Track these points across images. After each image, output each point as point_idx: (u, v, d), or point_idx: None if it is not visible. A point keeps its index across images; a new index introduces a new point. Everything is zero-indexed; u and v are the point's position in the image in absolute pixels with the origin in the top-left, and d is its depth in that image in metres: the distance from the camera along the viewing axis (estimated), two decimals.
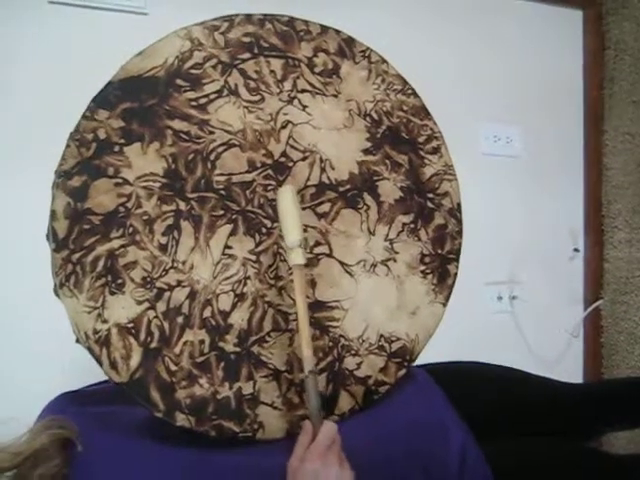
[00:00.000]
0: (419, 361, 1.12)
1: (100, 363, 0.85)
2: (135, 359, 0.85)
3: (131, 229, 0.86)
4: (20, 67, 1.37)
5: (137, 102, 0.88)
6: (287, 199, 0.90)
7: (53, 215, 0.84)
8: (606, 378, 2.00)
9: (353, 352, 0.96)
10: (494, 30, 1.91)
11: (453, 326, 1.58)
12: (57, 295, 0.85)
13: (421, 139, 1.02)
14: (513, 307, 1.88)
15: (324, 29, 0.99)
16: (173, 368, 0.87)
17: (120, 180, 0.86)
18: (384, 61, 1.01)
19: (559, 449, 1.16)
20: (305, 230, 0.94)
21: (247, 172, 0.92)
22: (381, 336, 0.98)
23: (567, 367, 1.95)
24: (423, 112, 1.03)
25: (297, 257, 0.87)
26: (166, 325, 0.87)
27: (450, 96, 1.77)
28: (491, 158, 1.87)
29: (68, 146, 0.85)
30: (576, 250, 2.00)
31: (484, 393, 1.18)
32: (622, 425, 1.46)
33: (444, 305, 1.02)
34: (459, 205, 1.04)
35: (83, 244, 0.84)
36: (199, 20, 0.94)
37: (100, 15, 1.42)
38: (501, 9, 1.92)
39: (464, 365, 1.24)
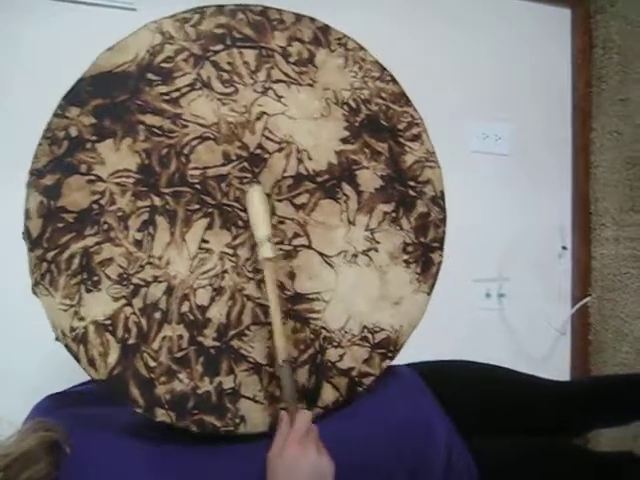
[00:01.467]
0: (407, 360, 1.12)
1: (78, 360, 0.85)
2: (113, 356, 0.86)
3: (105, 226, 0.86)
4: (9, 62, 1.38)
5: (108, 98, 0.87)
6: (255, 198, 0.90)
7: (27, 214, 0.84)
8: (594, 375, 1.99)
9: (335, 344, 0.95)
10: (483, 28, 1.90)
11: (441, 323, 1.59)
12: (35, 293, 0.86)
13: (401, 126, 1.00)
14: (501, 304, 1.87)
15: (298, 18, 0.97)
16: (152, 364, 0.87)
17: (93, 177, 0.86)
18: (361, 48, 0.99)
19: (548, 446, 1.15)
20: (282, 222, 0.94)
21: (222, 165, 0.91)
22: (364, 327, 0.97)
23: (555, 364, 1.94)
24: (403, 99, 1.01)
25: (266, 251, 0.87)
26: (144, 321, 0.87)
27: (439, 94, 1.77)
28: (480, 156, 1.86)
29: (40, 144, 0.85)
30: (564, 248, 1.99)
31: (471, 392, 1.16)
32: (609, 422, 1.45)
33: (428, 294, 1.00)
34: (442, 192, 1.02)
35: (57, 242, 0.85)
36: None
37: (89, 11, 1.42)
38: (490, 7, 1.91)
39: (451, 364, 1.23)
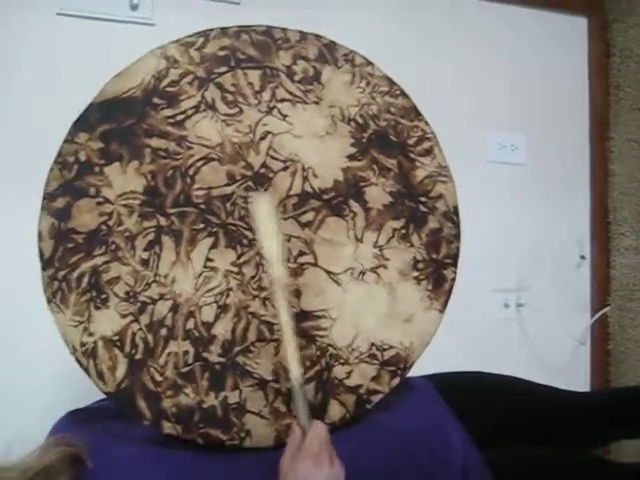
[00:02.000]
0: (424, 371, 1.11)
1: (88, 374, 0.90)
2: (121, 370, 0.89)
3: (113, 246, 0.90)
4: (28, 78, 1.43)
5: (115, 123, 0.91)
6: (262, 207, 0.90)
7: (39, 236, 0.89)
8: (614, 386, 1.92)
9: (342, 361, 0.95)
10: (500, 38, 1.87)
11: (459, 333, 1.57)
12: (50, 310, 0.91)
13: (411, 141, 0.99)
14: (520, 314, 1.84)
15: (303, 35, 0.97)
16: (158, 378, 0.90)
17: (101, 199, 0.90)
18: (369, 63, 0.98)
19: (565, 458, 1.11)
20: (288, 240, 0.94)
21: (227, 185, 0.93)
22: (372, 344, 0.96)
23: (574, 375, 1.88)
24: (413, 113, 0.99)
25: (278, 270, 0.88)
26: (150, 337, 0.90)
27: (455, 104, 1.76)
28: (497, 166, 1.83)
29: (52, 170, 0.90)
30: (582, 257, 1.93)
31: (487, 403, 1.14)
32: (630, 434, 1.38)
33: (441, 312, 0.98)
34: (455, 208, 1.00)
35: (68, 262, 0.89)
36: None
37: (107, 26, 1.46)
38: (506, 17, 1.88)
39: (468, 375, 1.21)
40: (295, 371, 0.87)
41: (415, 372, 1.02)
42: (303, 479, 0.79)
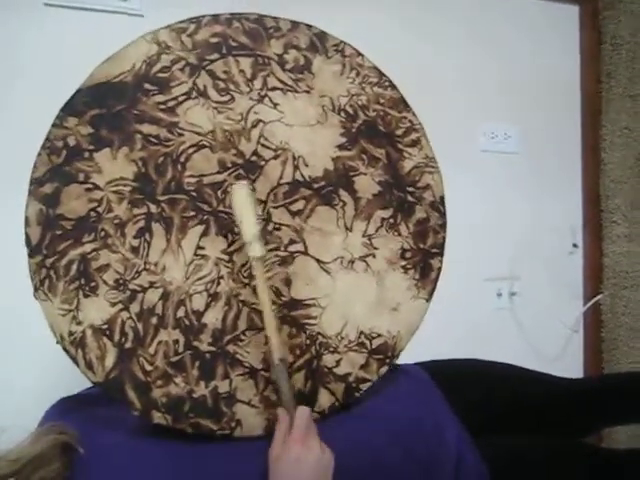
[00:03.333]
0: (418, 358, 1.12)
1: (77, 364, 0.88)
2: (110, 359, 0.88)
3: (103, 233, 0.88)
4: (15, 69, 1.40)
5: (105, 108, 0.89)
6: (240, 195, 0.90)
7: (26, 221, 0.87)
8: (606, 373, 1.97)
9: (332, 349, 0.96)
10: (490, 27, 1.89)
11: (453, 322, 1.60)
12: (36, 298, 0.89)
13: (399, 132, 1.00)
14: (513, 303, 1.87)
15: (295, 25, 0.97)
16: (148, 368, 0.89)
17: (91, 185, 0.88)
18: (359, 54, 0.99)
19: (558, 445, 1.13)
20: (279, 229, 0.94)
21: (218, 173, 0.92)
22: (361, 333, 0.97)
23: (567, 363, 1.92)
24: (402, 104, 1.00)
25: (255, 250, 0.88)
26: (140, 326, 0.89)
27: (447, 94, 1.78)
28: (489, 155, 1.85)
29: (39, 154, 0.88)
30: (575, 245, 1.97)
31: (482, 390, 1.16)
32: (622, 420, 1.43)
33: (427, 300, 1.00)
34: (442, 198, 1.01)
35: (56, 249, 0.87)
36: None
37: (96, 17, 1.44)
38: (497, 6, 1.90)
39: (462, 362, 1.22)
40: (277, 352, 0.88)
41: (409, 359, 1.04)
42: (295, 462, 0.80)
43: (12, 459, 0.79)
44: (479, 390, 1.15)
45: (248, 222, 0.88)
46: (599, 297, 1.96)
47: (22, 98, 1.39)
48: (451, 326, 1.45)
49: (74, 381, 0.94)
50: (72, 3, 1.42)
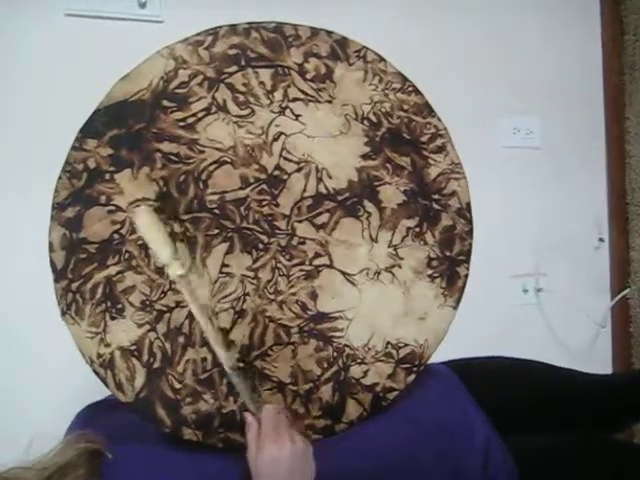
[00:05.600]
0: (445, 357, 1.12)
1: (106, 385, 0.89)
2: (139, 380, 0.89)
3: (127, 255, 0.88)
4: (38, 78, 1.39)
5: (124, 128, 0.87)
6: (143, 220, 0.86)
7: (50, 247, 0.87)
8: (636, 368, 1.94)
9: (359, 360, 0.96)
10: (510, 20, 1.83)
11: (479, 320, 1.58)
12: (64, 322, 0.90)
13: (424, 138, 0.97)
14: (539, 299, 1.84)
15: (314, 32, 0.93)
16: (177, 386, 0.90)
17: (113, 207, 0.87)
18: (382, 59, 0.95)
19: (588, 442, 1.13)
20: (303, 243, 0.93)
21: (240, 189, 0.91)
22: (388, 343, 0.97)
23: (596, 358, 1.89)
24: (426, 110, 0.97)
25: (174, 269, 0.84)
26: (168, 345, 0.89)
27: (467, 90, 1.74)
28: (511, 151, 1.81)
29: (60, 178, 0.87)
30: (601, 240, 1.93)
31: (510, 388, 1.15)
32: None
33: (454, 308, 0.99)
34: (468, 204, 0.99)
35: (81, 273, 0.87)
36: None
37: (116, 25, 1.42)
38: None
39: (489, 360, 1.22)
40: (226, 362, 0.87)
41: (436, 358, 1.03)
42: (271, 462, 0.80)
43: (40, 468, 0.82)
44: (507, 388, 1.15)
45: (158, 245, 0.85)
46: (627, 291, 1.93)
47: (43, 110, 1.38)
48: (477, 323, 1.43)
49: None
50: (92, 12, 1.40)
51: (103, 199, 0.87)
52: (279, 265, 0.92)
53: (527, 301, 1.83)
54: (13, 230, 1.36)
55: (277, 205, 0.92)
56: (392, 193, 0.97)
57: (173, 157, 0.89)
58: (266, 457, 0.79)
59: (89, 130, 0.87)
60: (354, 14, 1.55)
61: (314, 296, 0.94)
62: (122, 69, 0.89)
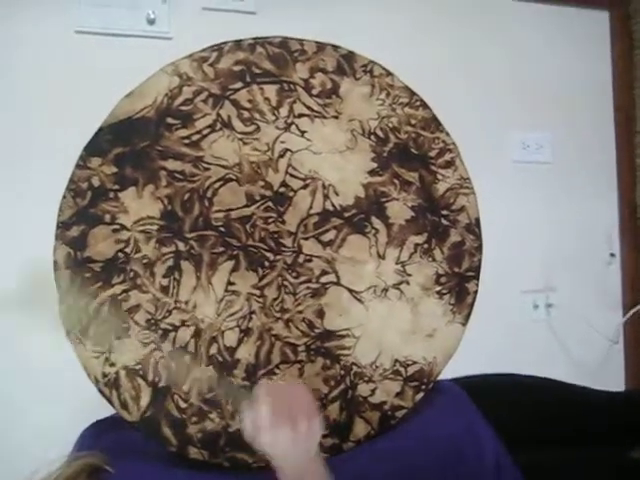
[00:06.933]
0: (455, 373, 1.11)
1: (112, 404, 0.88)
2: (145, 399, 0.88)
3: (132, 274, 0.87)
4: (49, 95, 1.38)
5: (129, 146, 0.87)
6: None
7: (55, 265, 0.86)
8: None
9: (366, 379, 0.95)
10: (521, 36, 1.80)
11: (489, 336, 1.55)
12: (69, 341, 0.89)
13: (432, 153, 0.96)
14: (550, 315, 1.80)
15: (320, 46, 0.92)
16: (183, 405, 0.89)
17: (117, 226, 0.87)
18: (389, 74, 0.94)
19: (599, 458, 1.12)
20: (310, 260, 0.92)
21: (246, 206, 0.90)
22: (396, 361, 0.96)
23: (608, 374, 1.85)
24: (434, 124, 0.96)
25: None
26: (173, 364, 0.89)
27: (478, 105, 1.71)
28: (522, 165, 1.77)
29: (64, 197, 0.86)
30: (612, 255, 1.89)
31: (518, 405, 1.14)
32: None
33: (464, 325, 0.98)
34: (477, 220, 0.98)
35: (86, 292, 0.87)
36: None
37: (125, 42, 1.41)
38: (527, 15, 1.81)
39: (498, 378, 1.21)
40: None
41: (445, 375, 1.03)
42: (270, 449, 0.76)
43: None
44: (516, 405, 1.14)
45: None
46: (639, 307, 1.87)
47: (55, 127, 1.36)
48: (488, 339, 1.41)
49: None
50: (101, 30, 1.39)
51: (107, 218, 0.87)
52: (285, 283, 0.91)
53: (537, 317, 1.79)
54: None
55: (283, 222, 0.91)
56: (400, 209, 0.96)
57: (178, 175, 0.88)
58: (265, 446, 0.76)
59: (93, 148, 0.86)
60: (363, 27, 1.54)
61: (321, 314, 0.93)
62: (132, 85, 0.88)
